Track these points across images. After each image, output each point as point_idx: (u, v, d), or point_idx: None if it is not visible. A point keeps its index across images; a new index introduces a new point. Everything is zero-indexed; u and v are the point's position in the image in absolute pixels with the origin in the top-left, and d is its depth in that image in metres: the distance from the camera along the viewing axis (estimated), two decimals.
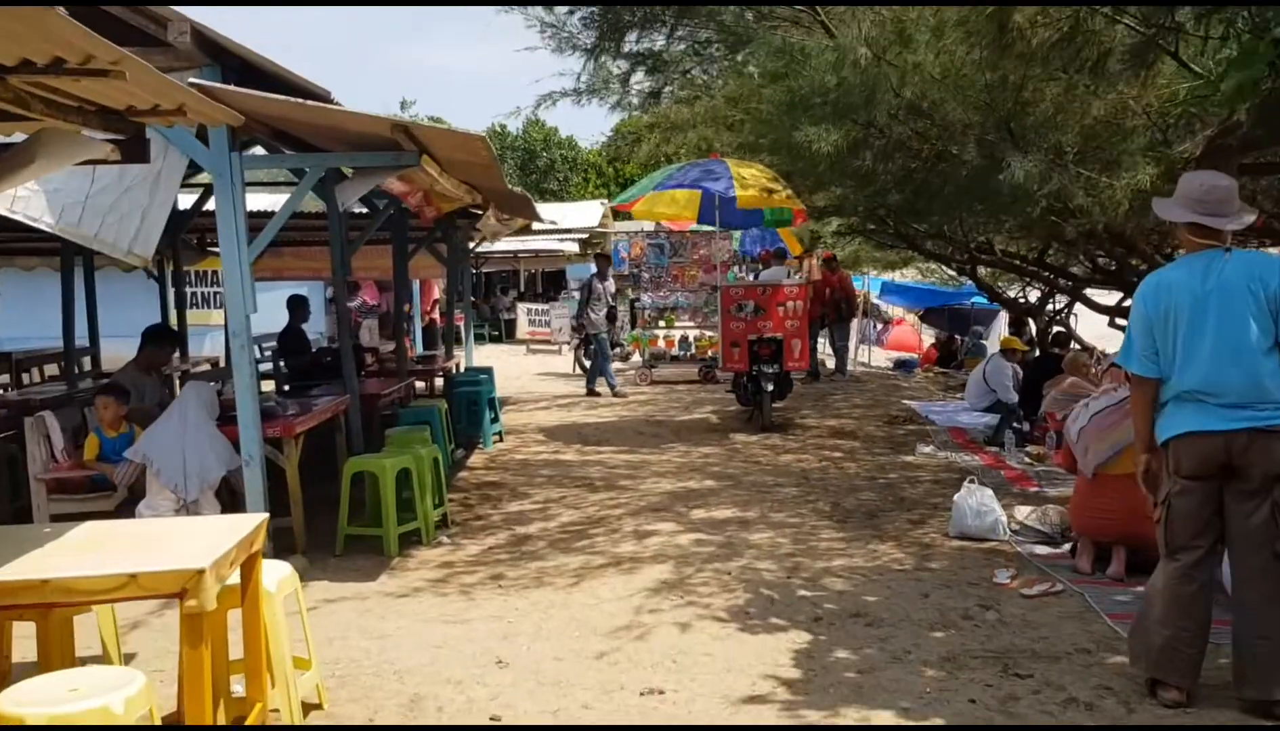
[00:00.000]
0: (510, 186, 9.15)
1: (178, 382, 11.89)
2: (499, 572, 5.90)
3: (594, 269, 14.68)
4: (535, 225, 19.06)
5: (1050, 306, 18.03)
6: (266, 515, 3.77)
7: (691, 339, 15.53)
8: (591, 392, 13.89)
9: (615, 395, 13.56)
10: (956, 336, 20.21)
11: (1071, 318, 19.84)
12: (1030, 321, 21.67)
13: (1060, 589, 5.29)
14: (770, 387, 10.45)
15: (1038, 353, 18.82)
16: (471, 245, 14.22)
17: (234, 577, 3.53)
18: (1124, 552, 5.52)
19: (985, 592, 5.28)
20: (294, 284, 17.20)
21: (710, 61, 8.63)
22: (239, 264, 5.83)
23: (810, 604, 5.15)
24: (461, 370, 12.95)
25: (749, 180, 9.80)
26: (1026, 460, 8.84)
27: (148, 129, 5.68)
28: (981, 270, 16.78)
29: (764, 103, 7.46)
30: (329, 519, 6.55)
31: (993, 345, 21.12)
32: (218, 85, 5.22)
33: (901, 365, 20.68)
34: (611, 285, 13.80)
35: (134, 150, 4.15)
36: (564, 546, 6.44)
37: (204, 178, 13.05)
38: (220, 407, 6.20)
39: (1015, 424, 9.66)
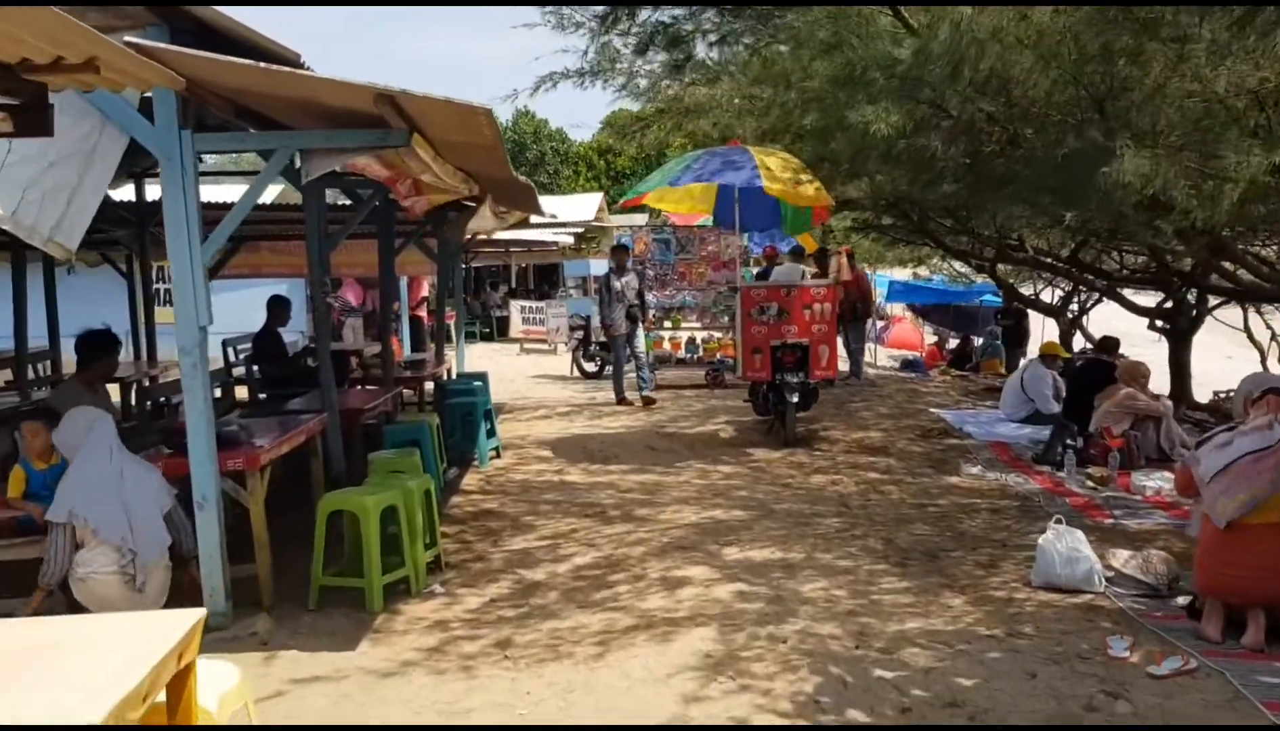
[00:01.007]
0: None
1: (132, 394, 10.90)
2: (505, 636, 4.91)
3: (608, 265, 13.64)
4: (532, 218, 18.04)
5: (1075, 306, 17.13)
6: (202, 613, 2.77)
7: (699, 341, 14.55)
8: (621, 401, 12.62)
9: (620, 402, 12.51)
10: (972, 337, 19.29)
11: (1083, 318, 18.99)
12: (1039, 321, 20.85)
13: (1194, 666, 4.33)
14: (795, 399, 9.48)
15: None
16: (465, 239, 13.21)
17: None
18: (1263, 618, 4.57)
19: (1103, 670, 4.32)
20: (273, 282, 16.19)
21: (738, 38, 7.63)
22: (190, 266, 4.83)
23: (893, 689, 4.18)
24: (453, 376, 11.95)
25: (776, 169, 8.81)
26: (1089, 484, 7.89)
27: (79, 97, 4.69)
28: (999, 268, 15.89)
29: (812, 78, 6.46)
30: (302, 557, 5.56)
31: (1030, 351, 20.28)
32: (157, 44, 4.21)
33: (909, 365, 19.76)
34: (633, 280, 12.46)
35: (33, 119, 3.14)
36: (580, 599, 5.45)
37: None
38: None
39: (1070, 440, 8.70)
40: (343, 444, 7.35)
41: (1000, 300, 20.85)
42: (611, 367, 12.67)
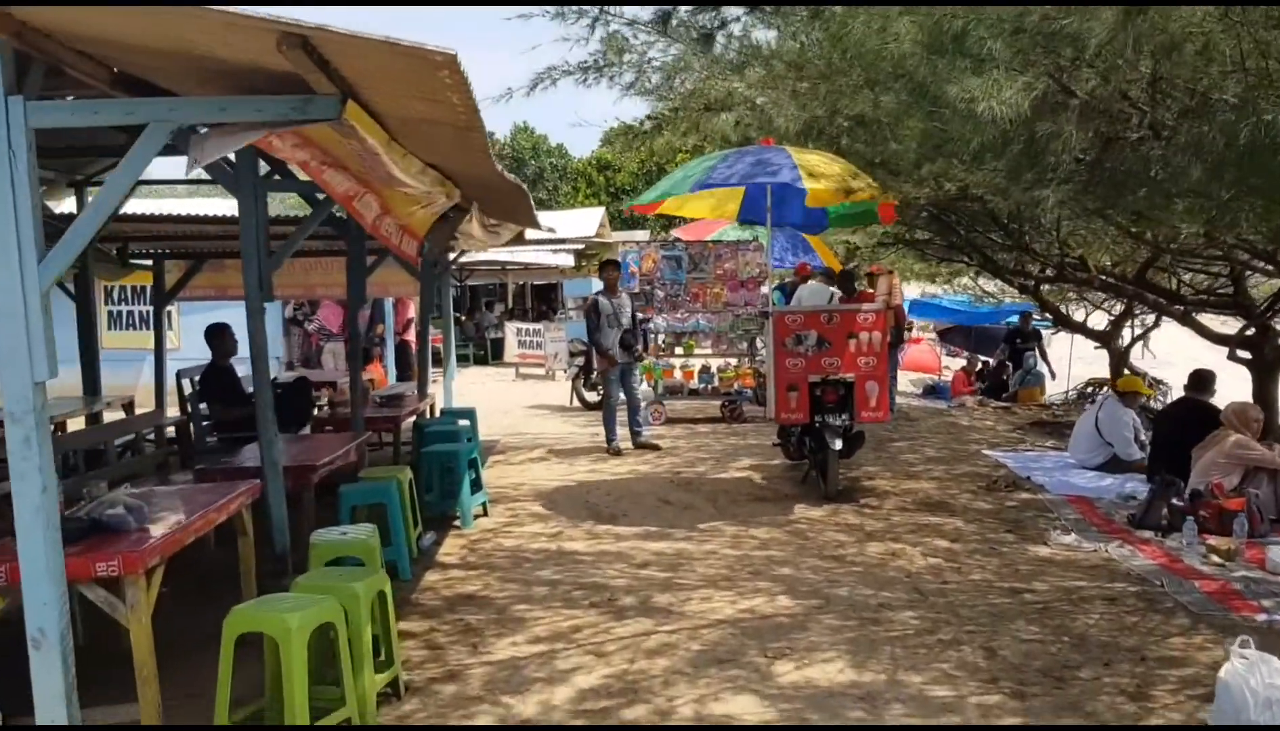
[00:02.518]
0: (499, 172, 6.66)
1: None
2: None
3: (597, 284, 12.14)
4: (528, 234, 16.55)
5: (1130, 331, 15.63)
6: None
7: (714, 369, 13.02)
8: (644, 444, 10.83)
9: (638, 445, 10.85)
10: (1006, 364, 17.77)
11: (1136, 345, 17.49)
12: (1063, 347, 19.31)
13: None
14: (838, 445, 7.96)
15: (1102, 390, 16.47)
16: (451, 256, 11.72)
17: None
18: None
19: None
20: (228, 305, 14.65)
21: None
22: (21, 292, 3.31)
23: None
24: (437, 413, 10.43)
25: (819, 169, 7.30)
26: (1214, 559, 6.37)
27: None
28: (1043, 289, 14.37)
29: (893, 42, 4.96)
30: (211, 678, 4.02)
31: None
32: None
33: (932, 391, 18.26)
34: (626, 302, 10.84)
35: None
36: None
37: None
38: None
39: (1176, 499, 7.18)
40: (289, 511, 5.83)
41: (1018, 321, 19.42)
42: (604, 405, 10.96)
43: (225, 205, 15.59)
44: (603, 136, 47.53)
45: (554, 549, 6.94)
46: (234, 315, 16.66)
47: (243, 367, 11.24)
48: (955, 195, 7.21)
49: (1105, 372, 19.80)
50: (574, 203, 43.98)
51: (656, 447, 10.66)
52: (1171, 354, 19.91)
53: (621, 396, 10.70)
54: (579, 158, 51.89)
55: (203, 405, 8.82)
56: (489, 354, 23.30)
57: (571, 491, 8.79)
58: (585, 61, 9.84)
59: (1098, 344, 16.79)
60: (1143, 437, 9.48)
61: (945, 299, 23.52)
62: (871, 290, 12.80)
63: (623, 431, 10.79)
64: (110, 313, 15.60)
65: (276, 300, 15.09)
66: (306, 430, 8.79)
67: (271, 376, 14.05)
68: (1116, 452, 9.22)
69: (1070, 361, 20.04)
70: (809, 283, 11.87)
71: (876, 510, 7.90)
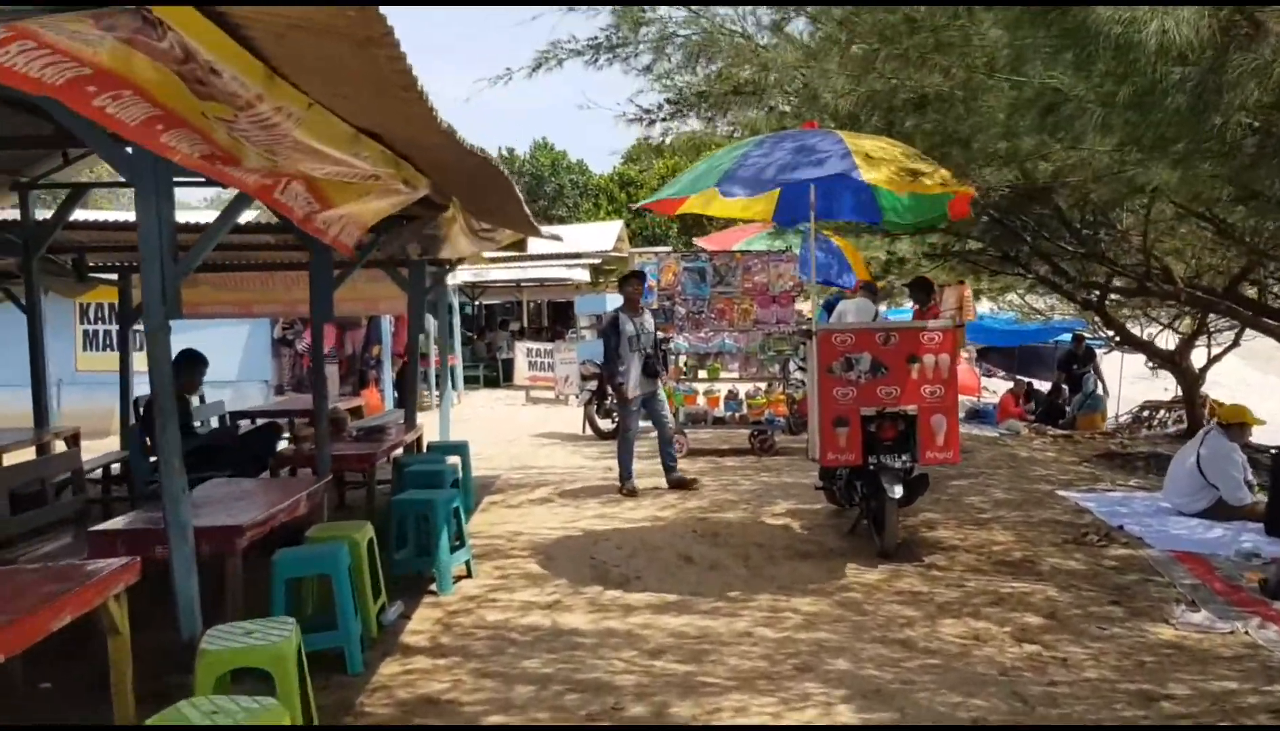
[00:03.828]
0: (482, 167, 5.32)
1: None
2: None
3: (615, 300, 10.75)
4: (536, 246, 15.23)
5: (1208, 352, 14.13)
6: None
7: (742, 395, 11.62)
8: (677, 482, 9.33)
9: (672, 483, 9.36)
10: (1064, 387, 16.28)
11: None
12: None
13: None
14: (897, 493, 6.55)
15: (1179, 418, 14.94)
16: (449, 270, 10.41)
17: None
18: None
19: None
20: (213, 323, 13.44)
21: None
22: None
23: None
24: (424, 448, 9.10)
25: (879, 154, 5.92)
26: None
27: None
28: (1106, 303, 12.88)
29: None
30: None
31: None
32: None
33: (976, 415, 16.78)
34: (649, 321, 9.48)
35: None
36: None
37: (65, 174, 9.37)
38: None
39: None
40: (209, 584, 4.48)
41: (1071, 339, 17.95)
42: (620, 438, 9.54)
43: (199, 214, 14.41)
44: (625, 154, 46.49)
45: (548, 625, 5.55)
46: (226, 334, 15.42)
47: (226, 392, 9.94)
48: (1044, 183, 5.81)
49: (1160, 394, 18.35)
50: (595, 220, 42.85)
51: (693, 485, 9.23)
52: (1219, 374, 18.30)
53: (641, 426, 9.32)
54: (600, 174, 50.85)
55: (147, 440, 7.52)
56: (500, 376, 22.00)
57: (576, 543, 7.40)
58: (595, 38, 8.55)
59: (1156, 364, 15.32)
60: (1250, 477, 8.04)
61: (987, 317, 22.02)
62: (935, 304, 11.38)
63: (639, 466, 9.40)
64: (85, 332, 14.42)
65: (261, 318, 13.90)
66: (265, 475, 7.49)
67: (274, 397, 12.74)
68: (1223, 496, 7.77)
69: (1120, 382, 18.56)
70: (853, 298, 10.47)
71: (945, 572, 6.48)
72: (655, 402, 9.31)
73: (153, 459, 7.60)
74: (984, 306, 20.75)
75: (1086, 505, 8.41)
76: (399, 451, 8.76)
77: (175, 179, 4.42)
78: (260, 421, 9.32)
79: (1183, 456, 8.12)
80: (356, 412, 13.05)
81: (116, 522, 5.04)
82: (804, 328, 7.01)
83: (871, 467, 6.65)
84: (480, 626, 5.57)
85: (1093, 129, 4.14)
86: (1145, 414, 17.44)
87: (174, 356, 8.03)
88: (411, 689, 4.69)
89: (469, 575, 6.50)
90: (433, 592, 6.15)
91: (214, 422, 10.20)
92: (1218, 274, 10.03)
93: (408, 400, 9.58)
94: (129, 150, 4.36)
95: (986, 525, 7.73)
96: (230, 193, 5.05)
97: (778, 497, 8.91)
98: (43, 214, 9.39)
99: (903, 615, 5.62)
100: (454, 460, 8.43)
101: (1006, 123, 5.03)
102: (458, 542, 6.47)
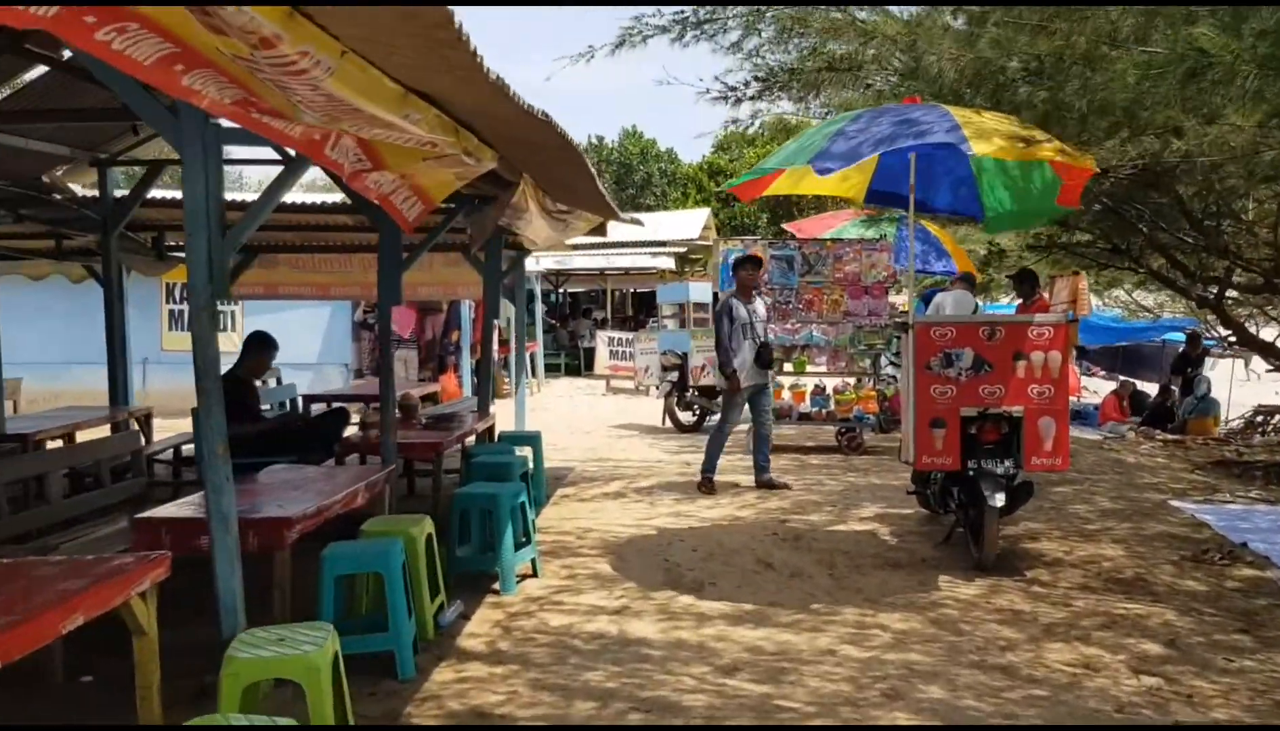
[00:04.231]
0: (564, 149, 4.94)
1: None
2: None
3: (699, 288, 10.32)
4: (620, 233, 14.91)
5: None
6: None
7: (829, 390, 11.10)
8: (767, 484, 8.85)
9: (761, 483, 8.90)
10: (1171, 387, 15.35)
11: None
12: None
13: None
14: (998, 501, 6.01)
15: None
16: (520, 253, 10.10)
17: None
18: None
19: None
20: (294, 305, 13.39)
21: None
22: None
23: None
24: (495, 437, 8.81)
25: (989, 126, 5.38)
26: None
27: None
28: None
29: None
30: None
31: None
32: None
33: (1077, 416, 15.90)
34: (761, 309, 8.90)
35: None
36: None
37: (145, 151, 9.28)
38: None
39: None
40: (255, 580, 4.22)
41: (1184, 337, 16.93)
42: (716, 428, 9.10)
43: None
44: (715, 142, 45.86)
45: (614, 634, 5.17)
46: (307, 317, 15.40)
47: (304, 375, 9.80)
48: (1173, 163, 5.21)
49: (1271, 397, 17.20)
50: (683, 208, 42.43)
51: (785, 488, 8.75)
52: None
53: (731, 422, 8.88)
54: (689, 162, 50.35)
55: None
56: (582, 365, 21.74)
57: (648, 543, 7.02)
58: (681, 12, 8.13)
59: (1276, 366, 14.29)
60: None
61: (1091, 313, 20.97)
62: (1044, 297, 10.67)
63: (722, 460, 8.96)
64: (171, 311, 14.52)
65: (333, 300, 13.81)
66: (330, 462, 7.27)
67: (338, 388, 12.66)
68: None
69: (1231, 385, 17.47)
70: (952, 290, 9.86)
71: (1049, 588, 5.93)
72: (763, 396, 8.85)
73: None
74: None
75: (1204, 518, 7.73)
76: (471, 440, 8.51)
77: (235, 155, 4.16)
78: (335, 406, 9.13)
79: None
80: (433, 399, 12.87)
81: (164, 510, 4.80)
82: (900, 320, 6.47)
83: (970, 473, 6.12)
84: (542, 631, 5.22)
85: (1244, 96, 3.58)
86: (1260, 419, 16.39)
87: (245, 338, 7.95)
88: (464, 699, 4.36)
89: (534, 574, 6.16)
90: (495, 592, 5.82)
91: (292, 406, 10.08)
92: None
93: (482, 387, 9.29)
94: (174, 112, 4.12)
95: (1093, 537, 7.13)
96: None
97: (865, 500, 8.41)
98: (123, 192, 9.37)
99: (1003, 636, 5.11)
100: (525, 451, 8.13)
101: (1135, 91, 4.46)
102: (524, 539, 6.13)
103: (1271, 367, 18.22)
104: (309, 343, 14.70)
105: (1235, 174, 5.62)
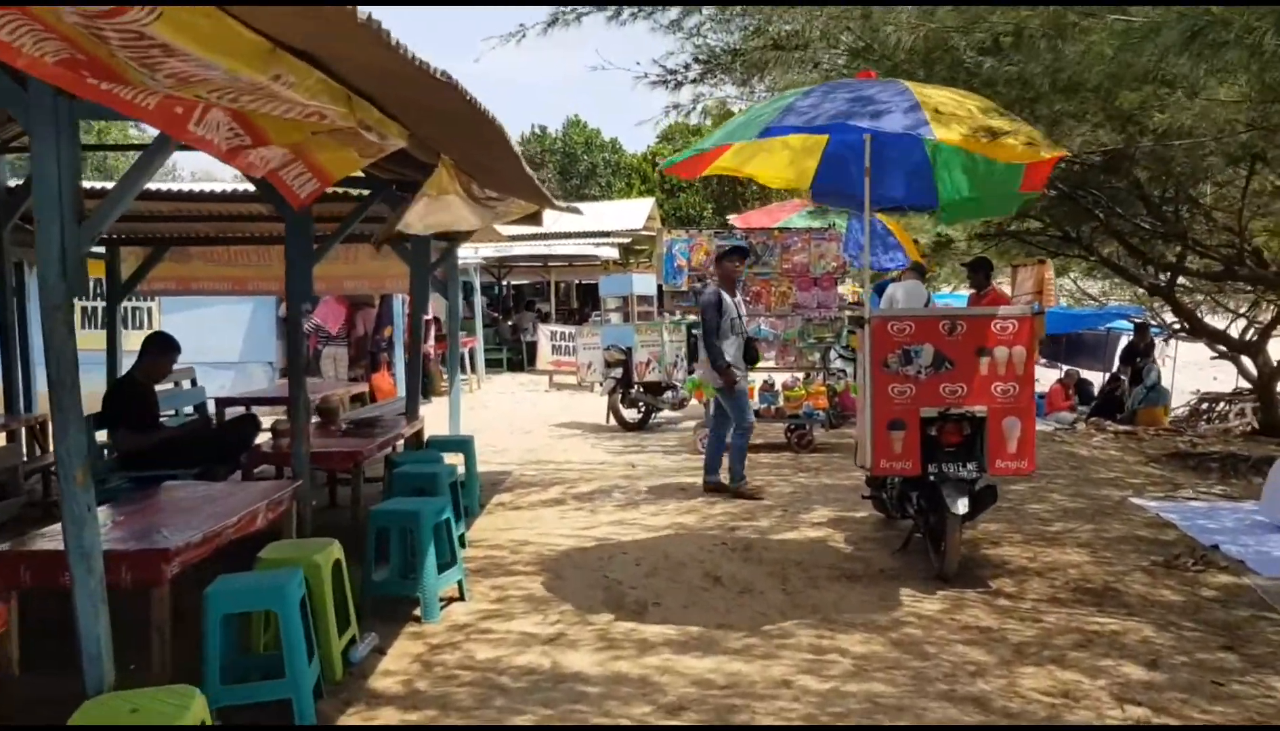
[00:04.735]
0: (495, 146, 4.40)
1: None
2: None
3: (642, 280, 9.79)
4: (563, 223, 14.38)
5: None
6: None
7: (778, 386, 10.66)
8: (750, 491, 8.17)
9: (715, 489, 8.29)
10: (1123, 377, 15.15)
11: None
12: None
13: None
14: (962, 508, 5.60)
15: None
16: (451, 243, 9.50)
17: None
18: None
19: None
20: (214, 301, 12.68)
21: None
22: None
23: None
24: (425, 442, 8.25)
25: (948, 109, 4.94)
26: None
27: None
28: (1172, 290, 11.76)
29: None
30: None
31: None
32: None
33: None
34: (741, 303, 8.39)
35: None
36: None
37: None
38: None
39: None
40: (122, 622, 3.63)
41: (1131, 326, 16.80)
42: (709, 435, 8.45)
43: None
44: (660, 133, 45.37)
45: (547, 668, 4.65)
46: (228, 313, 14.57)
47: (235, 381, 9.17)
48: (1152, 142, 4.79)
49: (1216, 385, 17.18)
50: (627, 199, 41.91)
51: (758, 498, 8.11)
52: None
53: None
54: (633, 153, 49.84)
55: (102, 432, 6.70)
56: (525, 359, 21.12)
57: (588, 557, 6.51)
58: None
59: (1219, 355, 14.23)
60: None
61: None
62: (998, 287, 10.29)
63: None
64: (84, 309, 13.66)
65: (252, 295, 13.08)
66: (238, 474, 6.66)
67: (261, 388, 11.91)
68: None
69: (1173, 373, 17.40)
70: (903, 281, 9.45)
71: (1016, 601, 5.52)
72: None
73: (109, 453, 6.82)
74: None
75: (1168, 517, 7.40)
76: (402, 444, 7.94)
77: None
78: (246, 412, 8.48)
79: None
80: (364, 400, 12.25)
81: (28, 541, 4.19)
82: (856, 314, 6.01)
83: (932, 478, 5.69)
84: (467, 666, 4.69)
85: (1254, 58, 3.15)
86: (1204, 406, 16.32)
87: (144, 340, 7.30)
88: None
89: (461, 597, 5.61)
90: (417, 619, 5.27)
91: (201, 411, 9.38)
92: None
93: (410, 388, 8.69)
94: (23, 86, 3.52)
95: (1056, 541, 6.75)
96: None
97: (817, 503, 7.97)
98: (18, 181, 8.66)
99: (972, 660, 4.67)
100: (457, 458, 7.58)
101: (1113, 64, 4.02)
102: (450, 559, 5.58)
103: (1217, 355, 18.27)
104: (230, 340, 13.95)
105: (1212, 152, 5.22)
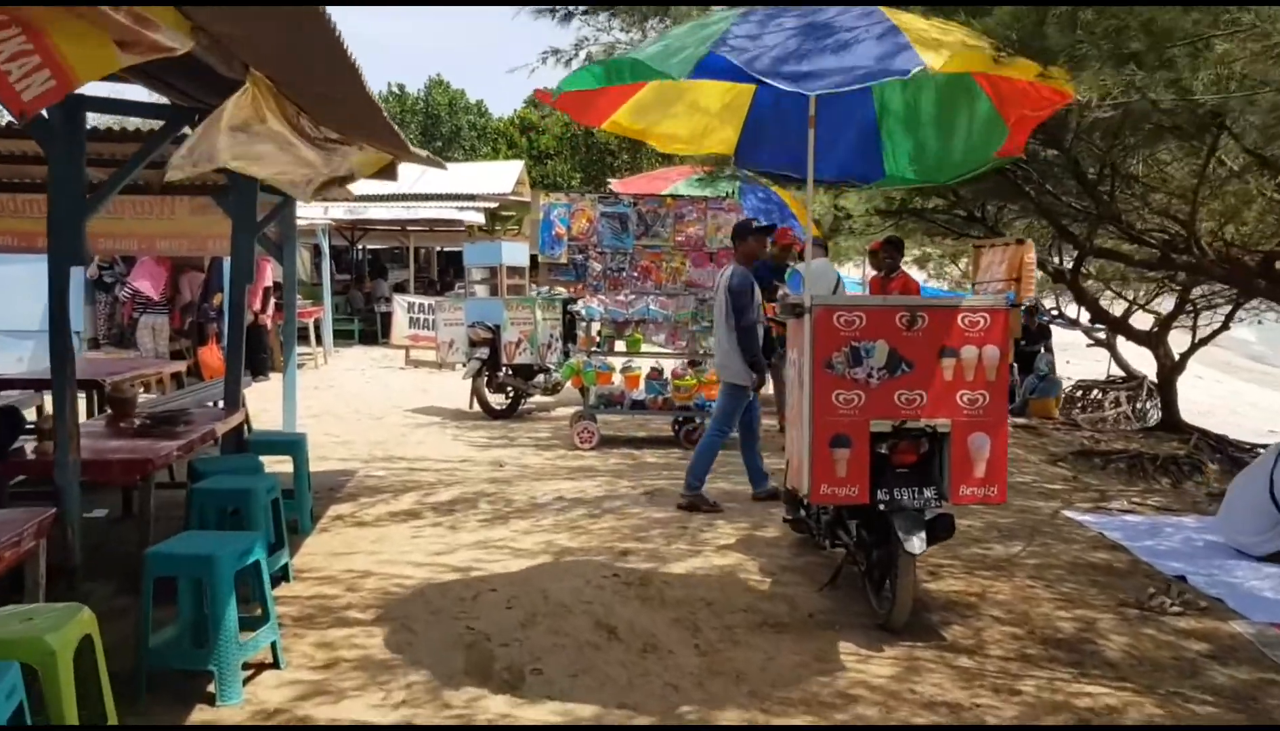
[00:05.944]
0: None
1: None
2: None
3: (512, 248, 8.42)
4: (424, 183, 12.92)
5: (1196, 336, 12.52)
6: None
7: (667, 374, 9.47)
8: (700, 504, 6.94)
9: (695, 506, 6.94)
10: (1013, 365, 14.58)
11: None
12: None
13: None
14: (917, 545, 4.52)
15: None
16: (285, 198, 7.95)
17: None
18: None
19: None
20: (10, 259, 10.70)
21: None
22: None
23: None
24: (249, 434, 6.76)
25: (931, 35, 3.80)
26: None
27: None
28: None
29: None
30: None
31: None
32: None
33: None
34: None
35: None
36: None
37: None
38: None
39: None
40: None
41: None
42: (708, 438, 7.12)
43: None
44: (527, 99, 43.57)
45: None
46: (26, 273, 12.47)
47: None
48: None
49: (1092, 373, 17.01)
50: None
51: (717, 510, 6.92)
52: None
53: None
54: (500, 117, 47.99)
55: None
56: (380, 331, 19.39)
57: (446, 596, 5.17)
58: None
59: (1094, 342, 13.83)
60: None
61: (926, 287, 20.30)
62: (906, 274, 9.34)
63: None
64: None
65: (44, 254, 11.14)
66: None
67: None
68: None
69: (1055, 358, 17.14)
70: (814, 261, 8.33)
71: (981, 658, 4.49)
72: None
73: None
74: (919, 275, 19.04)
75: (1112, 535, 6.55)
76: (217, 442, 6.42)
77: None
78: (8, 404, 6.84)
79: (1251, 485, 6.26)
80: (181, 379, 10.58)
81: None
82: (791, 301, 4.83)
83: (881, 507, 4.59)
84: None
85: None
86: (1079, 394, 16.05)
87: None
88: None
89: (275, 663, 4.22)
90: (210, 699, 3.87)
91: None
92: (1249, 250, 8.28)
93: (231, 371, 7.14)
94: None
95: (1003, 570, 5.78)
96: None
97: (719, 517, 6.82)
98: None
99: None
100: (284, 461, 6.15)
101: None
102: (258, 614, 4.19)
103: (1093, 343, 18.06)
104: (29, 305, 11.91)
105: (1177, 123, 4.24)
